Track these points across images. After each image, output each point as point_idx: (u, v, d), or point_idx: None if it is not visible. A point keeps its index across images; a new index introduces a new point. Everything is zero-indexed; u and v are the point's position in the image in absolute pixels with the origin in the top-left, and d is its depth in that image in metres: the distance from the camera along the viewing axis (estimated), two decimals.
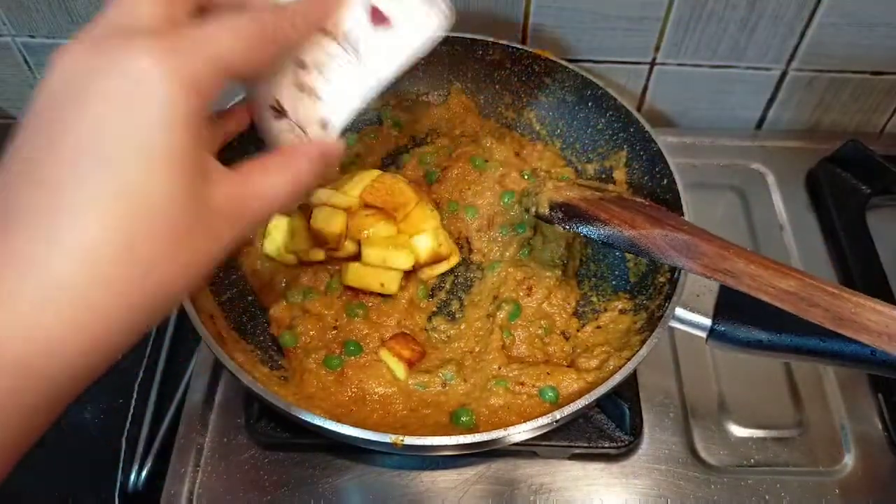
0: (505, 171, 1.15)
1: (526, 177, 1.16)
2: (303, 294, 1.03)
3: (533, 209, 0.98)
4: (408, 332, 1.01)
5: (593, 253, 1.13)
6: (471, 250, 1.12)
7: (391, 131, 1.25)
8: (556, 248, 1.10)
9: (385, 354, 0.97)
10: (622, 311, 1.03)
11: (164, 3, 0.52)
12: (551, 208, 0.94)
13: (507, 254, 1.10)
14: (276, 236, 1.06)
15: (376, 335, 0.99)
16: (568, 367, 0.97)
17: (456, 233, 1.12)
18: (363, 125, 1.26)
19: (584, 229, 0.89)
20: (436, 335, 1.03)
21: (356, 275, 1.01)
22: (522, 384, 0.94)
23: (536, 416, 0.82)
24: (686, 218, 0.98)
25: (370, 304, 1.03)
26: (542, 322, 1.02)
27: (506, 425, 0.81)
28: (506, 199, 1.12)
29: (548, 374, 0.94)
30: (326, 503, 0.95)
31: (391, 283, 1.01)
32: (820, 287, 0.75)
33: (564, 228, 0.93)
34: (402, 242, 1.03)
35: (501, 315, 1.01)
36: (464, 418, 0.90)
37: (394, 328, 1.01)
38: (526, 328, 1.01)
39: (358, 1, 0.66)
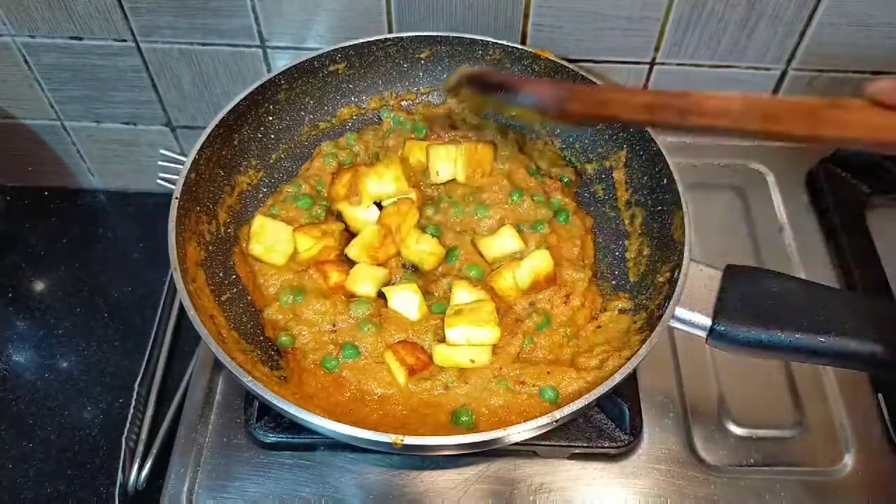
0: (512, 166, 1.15)
1: (532, 173, 1.16)
2: (293, 295, 1.01)
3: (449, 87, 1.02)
4: (417, 341, 0.99)
5: (594, 253, 1.13)
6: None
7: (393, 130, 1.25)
8: (571, 248, 1.10)
9: (389, 357, 0.96)
10: (622, 311, 1.03)
11: None
12: (459, 79, 0.99)
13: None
14: (263, 238, 1.05)
15: (381, 342, 0.98)
16: (568, 366, 0.97)
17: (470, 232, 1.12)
18: (362, 125, 1.26)
19: (493, 94, 0.95)
20: None
21: (443, 356, 0.96)
22: (523, 383, 0.94)
23: (536, 416, 0.82)
24: (686, 218, 0.98)
25: (380, 315, 1.01)
26: (566, 329, 1.01)
27: (506, 425, 0.82)
28: (514, 198, 1.12)
29: (548, 373, 0.94)
30: (327, 503, 0.95)
31: (481, 357, 0.96)
32: (667, 92, 0.82)
33: (478, 94, 0.97)
34: (483, 316, 0.97)
35: (529, 324, 1.00)
36: (463, 418, 0.90)
37: (401, 336, 1.00)
38: (549, 336, 1.01)
39: None
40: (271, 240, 1.06)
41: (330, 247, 1.08)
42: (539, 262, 1.03)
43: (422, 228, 1.10)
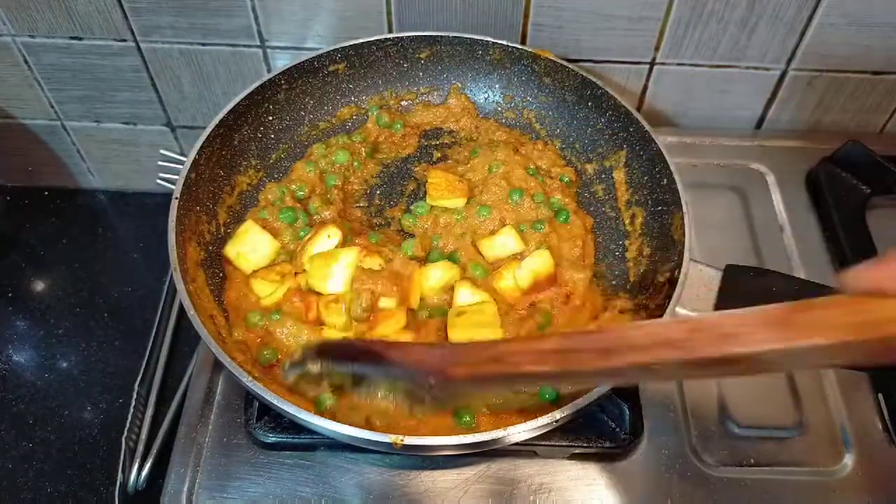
0: (508, 168, 1.15)
1: (531, 173, 1.16)
2: (261, 317, 0.99)
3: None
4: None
5: (594, 253, 1.13)
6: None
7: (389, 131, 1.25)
8: (572, 248, 1.10)
9: None
10: (622, 311, 1.03)
11: None
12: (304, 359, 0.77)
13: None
14: (241, 242, 1.05)
15: None
16: None
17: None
18: (362, 125, 1.26)
19: (354, 369, 0.75)
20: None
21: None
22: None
23: (536, 416, 0.82)
24: (686, 218, 0.98)
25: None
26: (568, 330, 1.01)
27: (506, 425, 0.81)
28: (514, 198, 1.12)
29: None
30: (327, 503, 0.95)
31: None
32: (578, 333, 0.71)
33: (339, 370, 0.77)
34: (485, 318, 0.97)
35: (530, 324, 1.00)
36: (465, 418, 0.90)
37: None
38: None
39: None
40: (248, 247, 1.04)
41: (294, 288, 1.01)
42: (539, 263, 1.03)
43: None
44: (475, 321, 0.96)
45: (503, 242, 1.08)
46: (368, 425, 0.86)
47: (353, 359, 0.74)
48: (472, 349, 0.73)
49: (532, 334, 0.98)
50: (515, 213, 1.12)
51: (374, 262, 1.00)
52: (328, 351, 0.76)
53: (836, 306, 0.54)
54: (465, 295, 1.00)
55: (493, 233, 1.10)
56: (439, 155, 1.24)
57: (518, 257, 1.07)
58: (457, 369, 0.68)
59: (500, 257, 1.08)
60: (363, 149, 1.21)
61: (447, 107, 1.27)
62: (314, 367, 0.75)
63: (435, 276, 1.03)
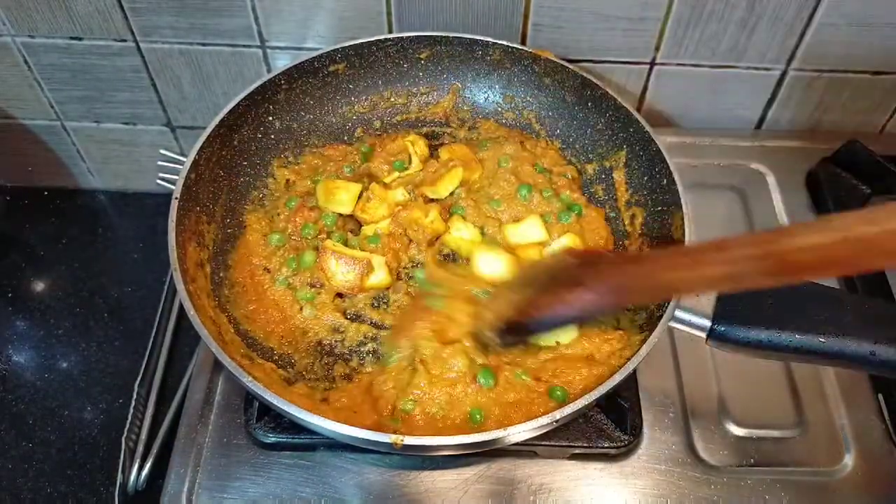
0: (516, 164, 1.16)
1: (539, 170, 1.16)
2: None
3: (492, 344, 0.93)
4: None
5: (613, 243, 1.13)
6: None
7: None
8: (595, 237, 1.12)
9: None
10: (622, 311, 1.03)
11: None
12: (500, 336, 0.91)
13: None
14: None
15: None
16: (582, 363, 0.96)
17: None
18: (362, 125, 1.26)
19: (535, 332, 0.91)
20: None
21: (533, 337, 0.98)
22: (539, 379, 0.94)
23: (537, 416, 0.82)
24: (686, 218, 0.98)
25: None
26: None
27: (507, 425, 0.81)
28: (523, 192, 1.12)
29: (563, 371, 0.94)
30: (327, 503, 0.95)
31: (566, 336, 0.98)
32: (743, 256, 0.68)
33: (522, 343, 0.94)
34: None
35: None
36: (477, 417, 0.90)
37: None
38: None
39: None
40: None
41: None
42: (569, 245, 1.06)
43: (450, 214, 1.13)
44: None
45: (527, 230, 1.10)
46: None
47: (536, 326, 0.86)
48: (640, 279, 0.78)
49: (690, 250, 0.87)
50: (528, 209, 1.13)
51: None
52: (514, 329, 0.88)
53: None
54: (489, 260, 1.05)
55: (516, 221, 1.12)
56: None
57: (541, 245, 1.09)
58: (628, 298, 0.80)
59: (522, 244, 1.09)
60: (358, 158, 1.21)
61: (446, 106, 1.27)
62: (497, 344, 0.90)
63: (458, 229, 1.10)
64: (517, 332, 0.90)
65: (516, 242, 1.10)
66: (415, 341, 0.95)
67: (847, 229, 0.61)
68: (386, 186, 1.15)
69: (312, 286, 1.05)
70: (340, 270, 1.04)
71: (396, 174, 1.17)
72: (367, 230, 1.10)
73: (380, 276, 1.05)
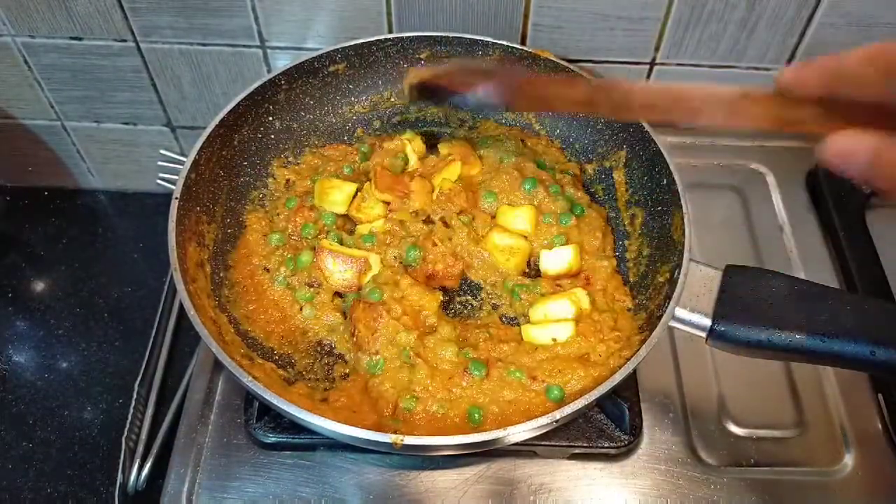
0: (519, 160, 1.16)
1: (541, 167, 1.16)
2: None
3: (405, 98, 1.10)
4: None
5: (614, 244, 1.13)
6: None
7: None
8: (592, 240, 1.10)
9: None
10: (626, 309, 1.03)
11: None
12: (410, 92, 1.02)
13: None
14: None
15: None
16: (578, 362, 0.96)
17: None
18: (362, 125, 1.26)
19: (439, 100, 1.01)
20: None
21: (528, 334, 1.00)
22: (534, 378, 0.94)
23: (537, 416, 0.82)
24: (686, 218, 0.98)
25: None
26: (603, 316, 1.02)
27: (507, 425, 0.81)
28: (527, 187, 1.12)
29: (559, 370, 0.94)
30: (327, 503, 0.95)
31: (563, 333, 0.98)
32: (599, 87, 0.85)
33: (427, 103, 1.11)
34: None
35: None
36: (475, 416, 0.90)
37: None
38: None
39: None
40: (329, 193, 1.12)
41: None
42: (571, 255, 1.06)
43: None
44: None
45: (516, 218, 1.10)
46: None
47: (445, 92, 0.96)
48: (531, 86, 0.92)
49: None
50: (528, 203, 1.12)
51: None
52: (425, 88, 0.99)
53: (768, 102, 0.70)
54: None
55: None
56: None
57: (523, 237, 1.09)
58: (518, 101, 0.94)
59: (507, 227, 1.10)
60: (358, 158, 1.21)
61: (445, 106, 1.27)
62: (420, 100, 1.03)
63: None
64: (427, 94, 1.01)
65: (502, 224, 1.10)
66: (392, 339, 0.96)
67: (673, 86, 0.76)
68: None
69: (311, 286, 1.05)
70: (338, 269, 1.04)
71: None
72: (362, 229, 1.10)
73: (369, 279, 1.04)
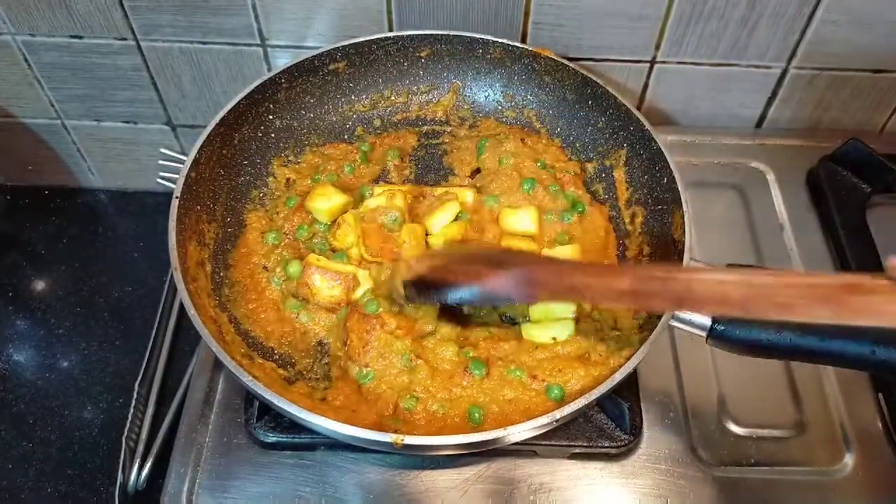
0: (518, 160, 1.16)
1: (541, 166, 1.16)
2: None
3: (396, 294, 0.96)
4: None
5: (616, 242, 1.13)
6: None
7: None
8: (594, 238, 1.11)
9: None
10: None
11: None
12: (405, 287, 0.93)
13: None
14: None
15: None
16: (578, 362, 0.96)
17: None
18: (362, 124, 1.26)
19: (441, 297, 0.90)
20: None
21: (529, 333, 0.99)
22: (535, 377, 0.94)
23: (537, 415, 0.82)
24: (686, 217, 0.98)
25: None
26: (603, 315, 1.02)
27: (507, 424, 0.81)
28: (525, 187, 1.12)
29: (559, 370, 0.94)
30: (327, 503, 0.95)
31: (563, 332, 0.98)
32: (650, 276, 0.75)
33: (426, 302, 0.95)
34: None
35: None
36: (476, 415, 0.90)
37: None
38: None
39: None
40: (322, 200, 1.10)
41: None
42: (570, 255, 1.06)
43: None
44: None
45: (520, 219, 1.10)
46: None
47: (441, 288, 0.87)
48: (552, 277, 0.81)
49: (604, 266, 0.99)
50: (528, 203, 1.12)
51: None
52: (426, 286, 0.89)
53: (882, 293, 0.60)
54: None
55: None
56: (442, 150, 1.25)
57: (531, 238, 1.09)
58: (538, 293, 0.82)
59: (512, 232, 1.09)
60: (358, 157, 1.21)
61: (445, 105, 1.27)
62: (406, 301, 0.93)
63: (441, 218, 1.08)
64: (425, 291, 0.92)
65: (507, 229, 1.10)
66: (383, 352, 0.95)
67: (749, 274, 0.69)
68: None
69: (297, 298, 1.04)
70: (325, 286, 1.01)
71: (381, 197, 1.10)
72: (338, 245, 1.07)
73: (366, 290, 1.02)
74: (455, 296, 0.87)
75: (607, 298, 0.79)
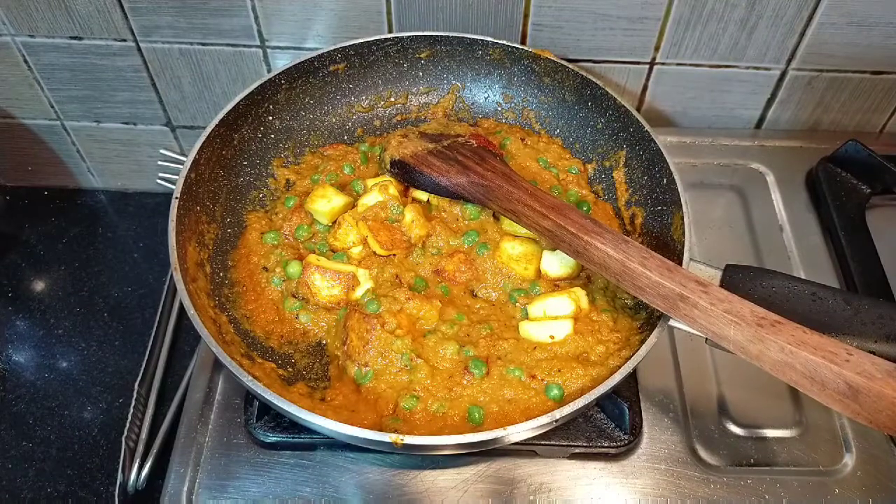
0: (520, 160, 1.16)
1: (543, 165, 1.16)
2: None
3: (382, 165, 1.14)
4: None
5: None
6: None
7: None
8: None
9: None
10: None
11: None
12: (391, 165, 1.11)
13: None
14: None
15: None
16: (576, 362, 0.96)
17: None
18: (362, 125, 1.26)
19: (412, 181, 1.09)
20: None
21: (526, 332, 0.99)
22: (534, 377, 0.94)
23: (537, 415, 0.82)
24: (686, 218, 0.98)
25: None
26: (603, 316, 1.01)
27: (507, 424, 0.81)
28: None
29: (558, 370, 0.94)
30: (327, 503, 0.95)
31: (562, 331, 0.98)
32: (565, 228, 0.91)
33: (401, 181, 1.11)
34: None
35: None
36: (476, 415, 0.90)
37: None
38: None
39: None
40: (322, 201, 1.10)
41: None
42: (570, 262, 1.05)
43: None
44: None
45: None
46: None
47: (416, 176, 1.07)
48: (502, 195, 0.99)
49: None
50: None
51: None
52: (405, 169, 1.09)
53: (700, 309, 0.80)
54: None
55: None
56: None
57: (532, 240, 1.08)
58: (489, 203, 1.02)
59: (513, 232, 1.08)
60: (358, 158, 1.21)
61: (445, 106, 1.27)
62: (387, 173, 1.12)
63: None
64: (402, 172, 1.10)
65: (508, 230, 1.09)
66: (382, 352, 0.94)
67: (627, 255, 0.85)
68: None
69: (297, 298, 1.04)
70: (325, 286, 1.01)
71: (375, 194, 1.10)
72: (338, 246, 1.07)
73: (366, 290, 1.02)
74: (423, 183, 1.07)
75: (535, 230, 0.96)
